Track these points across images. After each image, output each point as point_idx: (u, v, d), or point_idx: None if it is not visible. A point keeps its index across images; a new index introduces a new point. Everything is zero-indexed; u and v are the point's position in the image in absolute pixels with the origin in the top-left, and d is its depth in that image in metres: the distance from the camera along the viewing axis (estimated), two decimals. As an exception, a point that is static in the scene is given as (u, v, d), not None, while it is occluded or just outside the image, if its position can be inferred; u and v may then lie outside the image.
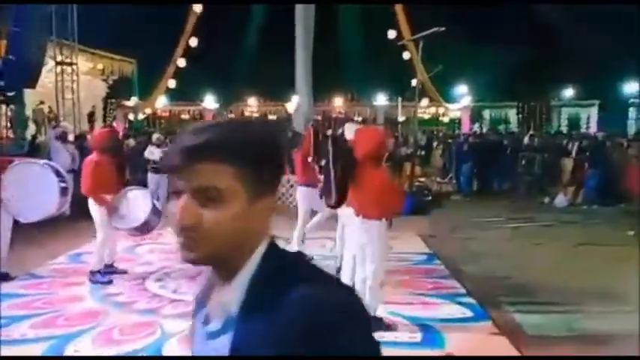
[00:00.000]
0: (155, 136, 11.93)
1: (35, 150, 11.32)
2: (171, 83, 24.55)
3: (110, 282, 6.36)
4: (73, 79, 16.38)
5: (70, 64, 17.52)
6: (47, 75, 17.07)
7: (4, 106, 12.86)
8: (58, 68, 16.22)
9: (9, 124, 14.08)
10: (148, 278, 6.68)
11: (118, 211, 6.29)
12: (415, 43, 19.67)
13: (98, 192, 6.19)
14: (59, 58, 16.57)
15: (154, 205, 6.45)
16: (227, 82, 24.22)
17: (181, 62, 23.48)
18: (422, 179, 14.48)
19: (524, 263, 7.42)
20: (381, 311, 5.34)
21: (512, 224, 10.37)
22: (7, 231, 6.43)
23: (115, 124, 22.88)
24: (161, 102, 26.12)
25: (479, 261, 7.63)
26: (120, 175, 6.55)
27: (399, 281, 6.56)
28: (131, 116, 26.94)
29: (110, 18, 20.35)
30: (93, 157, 6.34)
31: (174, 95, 26.77)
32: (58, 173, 6.25)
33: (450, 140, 17.13)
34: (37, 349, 4.51)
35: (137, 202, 6.36)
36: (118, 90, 24.35)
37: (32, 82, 12.15)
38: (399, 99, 20.83)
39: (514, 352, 4.57)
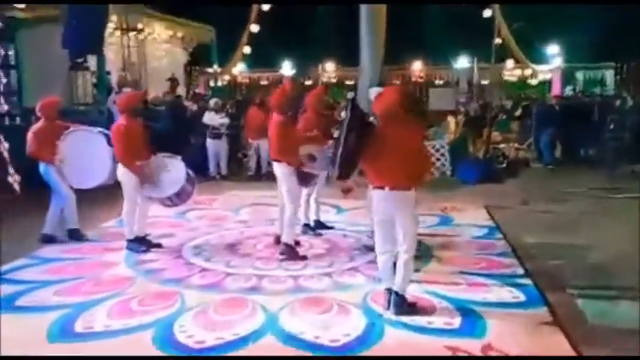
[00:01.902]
0: (213, 101, 11.75)
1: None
2: (247, 49, 24.39)
3: (146, 251, 6.21)
4: (137, 46, 16.56)
5: (136, 29, 17.83)
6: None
7: (88, 74, 13.11)
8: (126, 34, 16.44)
9: (94, 91, 14.55)
10: (186, 245, 6.48)
11: (150, 179, 6.07)
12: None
13: (128, 158, 6.00)
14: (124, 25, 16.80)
15: (187, 174, 6.18)
16: (302, 48, 23.73)
17: (254, 28, 23.19)
18: (501, 145, 13.50)
19: (601, 241, 6.53)
20: (417, 289, 4.83)
21: (594, 196, 9.34)
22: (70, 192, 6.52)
23: (197, 90, 23.18)
24: (239, 68, 26.15)
25: (548, 237, 6.84)
26: (147, 142, 6.25)
27: (448, 257, 5.97)
28: (212, 83, 27.24)
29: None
30: (121, 121, 6.12)
31: (253, 62, 26.70)
32: (111, 141, 6.18)
33: (527, 103, 15.81)
34: (49, 318, 4.37)
35: (170, 171, 6.12)
36: (197, 57, 24.59)
37: (96, 48, 12.23)
38: (474, 60, 19.50)
39: (566, 346, 3.92)
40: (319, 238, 6.75)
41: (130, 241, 6.24)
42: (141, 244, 6.25)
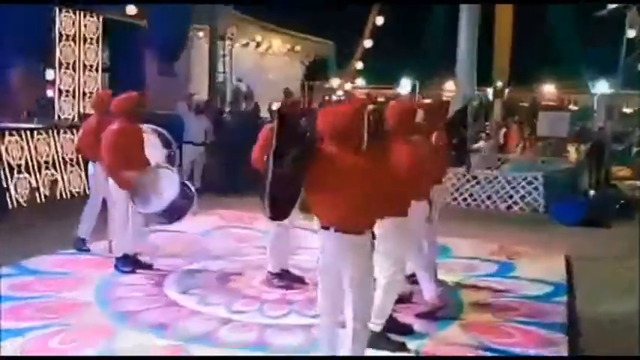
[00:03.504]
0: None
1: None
2: (359, 65, 23.66)
3: (132, 271, 5.56)
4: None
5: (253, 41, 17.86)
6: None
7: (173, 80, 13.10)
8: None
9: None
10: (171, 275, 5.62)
11: (142, 192, 5.40)
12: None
13: (116, 167, 5.39)
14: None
15: (184, 189, 5.44)
16: (417, 64, 22.50)
17: (368, 43, 22.32)
18: (620, 181, 11.41)
19: None
20: None
21: None
22: None
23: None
24: (354, 83, 25.56)
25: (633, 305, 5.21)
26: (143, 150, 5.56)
27: (475, 322, 4.66)
28: (327, 98, 26.92)
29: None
30: (114, 125, 5.49)
31: (369, 77, 26.01)
32: (166, 141, 5.79)
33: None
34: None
35: (163, 184, 5.40)
36: (314, 72, 24.39)
37: (175, 56, 12.12)
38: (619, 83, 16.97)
39: None
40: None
41: (118, 259, 5.63)
42: (129, 263, 5.61)
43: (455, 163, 5.67)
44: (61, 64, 10.14)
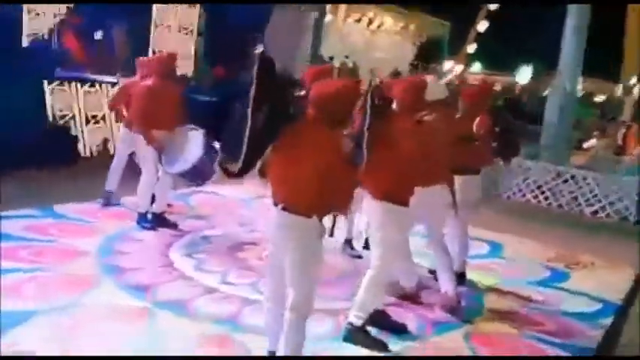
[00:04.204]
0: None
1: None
2: (471, 48, 22.35)
3: (152, 228, 5.52)
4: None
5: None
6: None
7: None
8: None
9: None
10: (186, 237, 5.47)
11: (170, 151, 5.32)
12: None
13: (144, 123, 5.33)
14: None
15: (207, 149, 5.27)
16: (534, 51, 20.86)
17: (482, 26, 20.85)
18: None
19: None
20: None
21: None
22: None
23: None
24: (469, 68, 24.33)
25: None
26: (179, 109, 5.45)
27: (473, 331, 4.07)
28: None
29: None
30: (148, 81, 5.40)
31: (485, 62, 24.67)
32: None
33: None
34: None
35: (190, 145, 5.28)
36: (426, 53, 23.49)
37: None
38: None
39: None
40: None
41: (140, 214, 5.61)
42: (153, 221, 5.58)
43: (497, 154, 5.01)
44: (156, 25, 10.43)
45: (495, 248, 6.25)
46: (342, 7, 18.48)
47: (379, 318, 3.85)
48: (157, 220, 5.62)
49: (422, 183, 3.82)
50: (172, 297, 4.09)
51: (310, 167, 2.75)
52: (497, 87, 25.83)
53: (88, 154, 8.56)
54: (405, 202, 3.64)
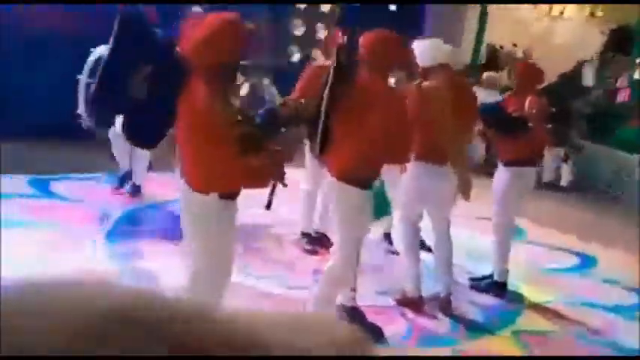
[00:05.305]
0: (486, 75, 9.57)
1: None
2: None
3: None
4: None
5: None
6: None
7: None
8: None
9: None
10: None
11: None
12: None
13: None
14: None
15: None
16: None
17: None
18: None
19: None
20: None
21: None
22: None
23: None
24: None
25: None
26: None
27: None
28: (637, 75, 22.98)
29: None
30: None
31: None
32: None
33: None
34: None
35: None
36: (617, 42, 20.91)
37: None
38: None
39: None
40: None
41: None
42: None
43: (552, 140, 4.11)
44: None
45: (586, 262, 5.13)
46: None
47: (352, 316, 3.34)
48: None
49: (432, 160, 3.46)
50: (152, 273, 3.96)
51: (196, 138, 2.58)
52: None
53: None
54: (363, 185, 3.08)
